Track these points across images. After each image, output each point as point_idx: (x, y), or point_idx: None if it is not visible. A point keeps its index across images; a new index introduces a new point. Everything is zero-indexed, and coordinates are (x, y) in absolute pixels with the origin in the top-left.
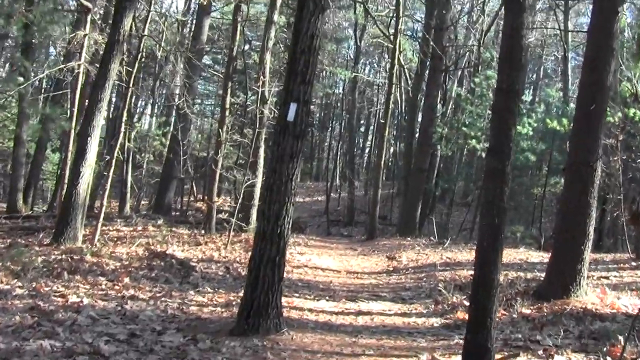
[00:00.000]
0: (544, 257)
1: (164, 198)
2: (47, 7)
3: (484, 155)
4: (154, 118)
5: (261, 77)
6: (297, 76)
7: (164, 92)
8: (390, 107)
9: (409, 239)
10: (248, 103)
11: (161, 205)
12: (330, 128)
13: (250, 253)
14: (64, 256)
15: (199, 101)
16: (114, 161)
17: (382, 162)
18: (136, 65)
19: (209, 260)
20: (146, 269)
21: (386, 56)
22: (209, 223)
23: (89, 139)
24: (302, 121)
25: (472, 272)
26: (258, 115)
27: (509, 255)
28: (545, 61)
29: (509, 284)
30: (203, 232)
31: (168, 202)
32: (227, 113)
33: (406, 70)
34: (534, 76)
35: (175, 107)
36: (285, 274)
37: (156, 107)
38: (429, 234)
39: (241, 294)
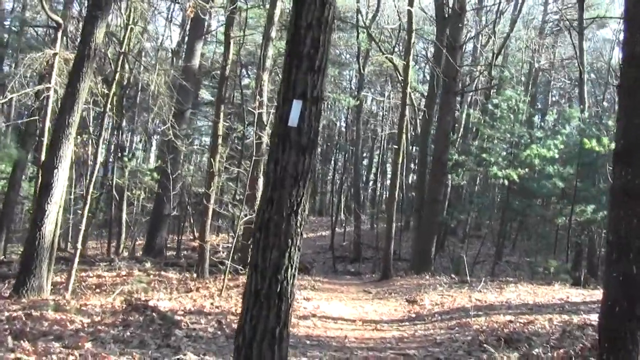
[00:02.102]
0: (585, 295)
1: (154, 238)
2: None
3: (506, 183)
4: (152, 153)
5: (258, 97)
6: (301, 61)
7: (159, 126)
8: (403, 131)
9: (427, 277)
10: (246, 134)
11: (152, 245)
12: (333, 160)
13: None
14: (20, 312)
15: (197, 136)
16: (89, 198)
17: (396, 193)
18: (114, 86)
19: (198, 312)
20: (120, 327)
21: (390, 87)
22: (201, 266)
23: (55, 171)
24: (310, 127)
25: (510, 317)
26: (255, 142)
27: (546, 293)
28: (553, 85)
29: (562, 333)
30: (195, 275)
31: (160, 242)
32: (219, 140)
33: (413, 98)
34: (543, 100)
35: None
36: (290, 329)
37: (154, 141)
38: (443, 270)
39: None
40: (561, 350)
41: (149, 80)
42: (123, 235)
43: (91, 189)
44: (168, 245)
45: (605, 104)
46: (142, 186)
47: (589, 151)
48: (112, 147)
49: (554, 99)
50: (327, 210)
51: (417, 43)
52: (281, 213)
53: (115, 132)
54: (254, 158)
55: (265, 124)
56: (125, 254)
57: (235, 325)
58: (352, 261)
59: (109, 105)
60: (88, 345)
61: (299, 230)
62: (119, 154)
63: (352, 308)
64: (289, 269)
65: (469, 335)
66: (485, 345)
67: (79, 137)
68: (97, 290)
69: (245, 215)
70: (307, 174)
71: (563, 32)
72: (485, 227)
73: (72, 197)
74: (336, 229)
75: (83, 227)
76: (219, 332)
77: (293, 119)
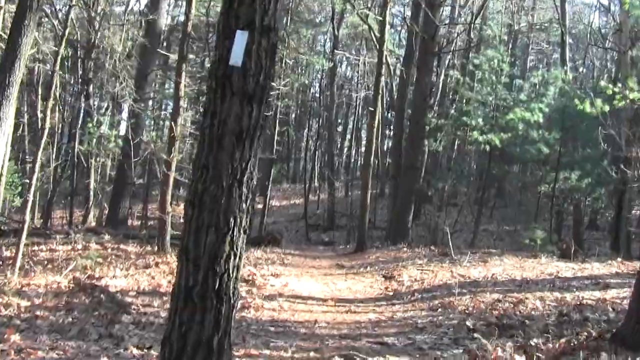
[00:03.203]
0: (575, 269)
1: (117, 208)
2: None
3: (487, 148)
4: (123, 120)
5: None
6: None
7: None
8: (380, 89)
9: (404, 248)
10: None
11: (115, 216)
12: (307, 127)
13: None
14: None
15: (169, 101)
16: (37, 166)
17: (371, 159)
18: (63, 43)
19: (153, 292)
20: (62, 311)
21: (365, 51)
22: (162, 239)
23: None
24: (260, 68)
25: (497, 296)
26: None
27: (534, 268)
28: (532, 50)
29: (559, 317)
30: (156, 249)
31: (123, 212)
32: (181, 102)
33: (389, 62)
34: (522, 64)
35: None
36: (253, 312)
37: (125, 106)
38: (420, 239)
39: None
40: (562, 340)
41: (109, 41)
42: (91, 205)
43: (39, 156)
44: (137, 215)
45: (583, 69)
46: (107, 153)
47: (573, 115)
48: (76, 112)
49: (531, 64)
50: (301, 178)
51: (394, 5)
52: (219, 183)
53: (81, 97)
54: None
55: None
56: (93, 223)
57: None
58: (326, 230)
59: (57, 65)
60: (15, 337)
61: (244, 205)
62: (85, 120)
63: (323, 285)
64: (231, 258)
65: (454, 319)
66: (474, 332)
67: (44, 102)
68: (49, 266)
69: None
70: (256, 131)
71: None
72: (462, 194)
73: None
74: (310, 196)
75: (30, 196)
76: None
77: (236, 57)
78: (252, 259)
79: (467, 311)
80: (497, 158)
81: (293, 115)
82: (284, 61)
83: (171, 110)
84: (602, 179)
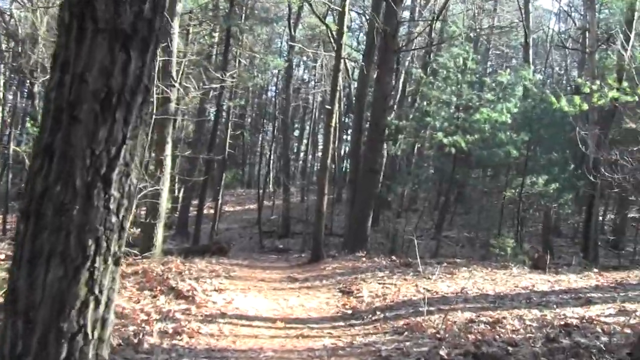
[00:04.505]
0: (551, 282)
1: None
2: None
3: (453, 151)
4: None
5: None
6: None
7: None
8: (339, 87)
9: (363, 259)
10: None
11: None
12: (262, 131)
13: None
14: None
15: None
16: None
17: (329, 162)
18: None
19: None
20: None
21: (323, 51)
22: None
23: None
24: None
25: (471, 315)
26: (158, 96)
27: (506, 281)
28: (491, 54)
29: (547, 341)
30: None
31: None
32: None
33: (347, 63)
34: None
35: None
36: (187, 340)
37: None
38: (378, 246)
39: None
40: None
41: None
42: None
43: None
44: None
45: (542, 74)
46: None
47: (540, 117)
48: (15, 110)
49: (490, 69)
50: (256, 183)
51: (353, 7)
52: (71, 180)
53: (17, 94)
54: (154, 116)
55: (176, 78)
56: None
57: (120, 328)
58: (281, 236)
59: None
60: None
61: (114, 219)
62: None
63: (273, 301)
64: (90, 308)
65: (424, 344)
66: None
67: None
68: None
69: (145, 188)
70: (136, 95)
71: None
72: (422, 200)
73: None
74: (264, 202)
75: None
76: None
77: None
78: (194, 272)
79: (438, 335)
80: (461, 162)
81: (249, 120)
82: (237, 60)
83: None
84: (569, 184)
